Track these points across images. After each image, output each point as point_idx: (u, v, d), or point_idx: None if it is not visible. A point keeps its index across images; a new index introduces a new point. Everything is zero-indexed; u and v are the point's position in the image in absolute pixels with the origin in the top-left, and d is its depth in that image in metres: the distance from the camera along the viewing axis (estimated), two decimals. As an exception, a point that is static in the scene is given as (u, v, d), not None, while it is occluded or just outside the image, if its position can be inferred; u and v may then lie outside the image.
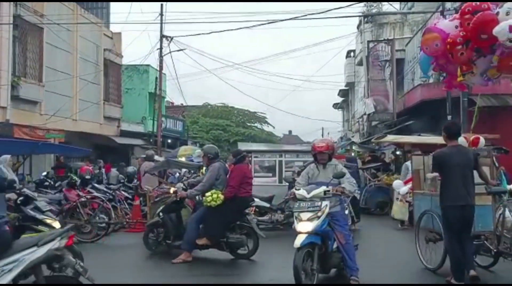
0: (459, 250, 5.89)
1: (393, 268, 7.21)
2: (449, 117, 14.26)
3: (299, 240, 5.61)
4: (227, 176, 7.94)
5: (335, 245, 6.01)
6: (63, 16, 18.35)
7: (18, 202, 6.05)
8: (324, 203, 5.78)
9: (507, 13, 6.42)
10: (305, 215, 5.76)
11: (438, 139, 12.29)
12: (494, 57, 6.72)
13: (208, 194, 7.47)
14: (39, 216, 6.16)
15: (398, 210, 11.06)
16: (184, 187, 8.48)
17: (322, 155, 6.19)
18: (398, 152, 16.97)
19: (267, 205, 10.54)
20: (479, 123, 8.36)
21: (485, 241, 6.44)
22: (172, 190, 8.44)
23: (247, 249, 7.85)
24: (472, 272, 5.86)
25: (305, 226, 5.70)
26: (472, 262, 6.09)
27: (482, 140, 7.55)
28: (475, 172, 6.13)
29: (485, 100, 14.63)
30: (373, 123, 24.28)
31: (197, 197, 8.34)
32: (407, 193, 10.36)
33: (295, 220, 5.87)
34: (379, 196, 13.57)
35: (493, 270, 6.61)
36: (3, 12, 15.22)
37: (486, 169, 6.63)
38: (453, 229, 5.96)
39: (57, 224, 6.21)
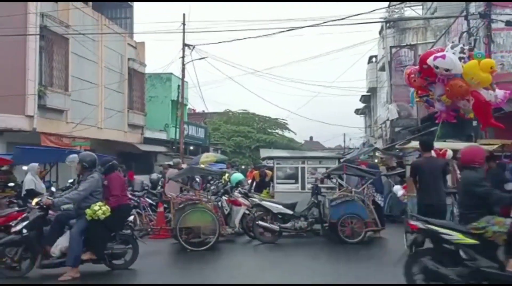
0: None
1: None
2: (474, 123, 14.00)
3: None
4: (105, 186, 7.50)
5: None
6: (88, 26, 18.72)
7: None
8: None
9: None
10: None
11: (463, 145, 12.13)
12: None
13: (96, 207, 7.03)
14: None
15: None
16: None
17: None
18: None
19: (290, 212, 10.52)
20: (501, 129, 10.12)
21: None
22: (34, 201, 7.49)
23: (124, 259, 7.60)
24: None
25: None
26: None
27: (449, 152, 8.84)
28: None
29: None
30: (396, 129, 24.04)
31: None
32: (403, 195, 11.04)
33: None
34: (404, 203, 13.38)
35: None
36: (30, 23, 15.62)
37: (448, 176, 8.20)
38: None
39: None
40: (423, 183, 7.37)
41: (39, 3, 15.99)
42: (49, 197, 7.62)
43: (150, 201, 12.45)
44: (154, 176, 15.62)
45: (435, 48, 10.01)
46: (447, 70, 8.36)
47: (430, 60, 8.50)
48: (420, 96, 9.63)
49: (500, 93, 9.12)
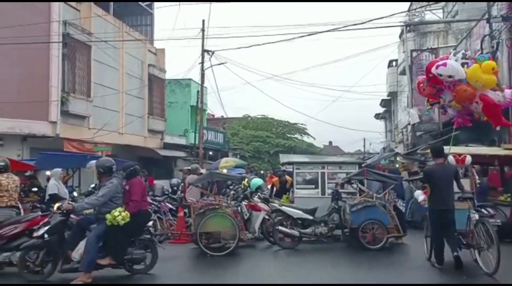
0: (440, 242, 7.72)
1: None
2: (497, 128, 13.75)
3: None
4: (125, 191, 7.56)
5: None
6: (109, 33, 19.00)
7: None
8: None
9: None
10: None
11: (487, 150, 11.91)
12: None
13: (116, 213, 7.07)
14: None
15: None
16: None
17: None
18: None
19: (310, 217, 10.46)
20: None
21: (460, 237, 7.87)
22: (55, 206, 7.50)
23: (144, 264, 7.62)
24: (455, 253, 7.41)
25: None
26: (456, 246, 7.50)
27: (468, 158, 9.06)
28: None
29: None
30: (418, 133, 23.76)
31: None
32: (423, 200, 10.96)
33: None
34: (425, 209, 13.17)
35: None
36: (53, 31, 15.92)
37: (467, 181, 8.62)
38: (436, 227, 7.77)
39: None
40: (436, 189, 7.73)
41: (61, 12, 16.29)
42: (69, 202, 7.72)
43: (170, 206, 12.51)
44: (174, 181, 15.73)
45: (440, 57, 10.58)
46: (450, 76, 8.79)
47: (433, 69, 8.97)
48: (431, 103, 10.15)
49: (508, 92, 9.36)
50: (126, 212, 7.20)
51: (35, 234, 7.24)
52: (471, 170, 9.36)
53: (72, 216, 7.48)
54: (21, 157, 14.65)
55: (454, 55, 9.18)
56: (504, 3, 14.98)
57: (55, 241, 7.16)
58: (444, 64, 8.79)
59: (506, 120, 10.27)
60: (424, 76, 9.72)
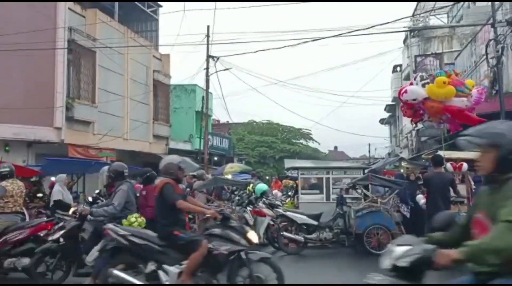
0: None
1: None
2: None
3: None
4: (142, 196, 7.54)
5: None
6: (114, 39, 19.08)
7: None
8: None
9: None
10: None
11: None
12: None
13: (132, 219, 6.96)
14: None
15: None
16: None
17: None
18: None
19: (315, 222, 10.43)
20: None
21: None
22: (71, 210, 7.45)
23: None
24: None
25: None
26: None
27: (465, 165, 9.53)
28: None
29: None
30: (423, 138, 23.67)
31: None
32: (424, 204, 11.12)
33: None
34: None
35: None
36: (58, 37, 16.01)
37: (463, 187, 9.20)
38: (429, 227, 7.89)
39: None
40: (432, 194, 8.42)
41: (67, 18, 16.40)
42: (86, 207, 7.73)
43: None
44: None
45: (409, 81, 11.56)
46: (414, 100, 9.61)
47: (401, 97, 9.90)
48: (416, 122, 11.07)
49: (474, 91, 9.78)
50: (142, 218, 7.15)
51: (50, 238, 7.24)
52: (467, 176, 9.76)
53: (86, 223, 7.45)
54: (26, 163, 14.71)
55: (415, 79, 10.06)
56: (509, 7, 14.95)
57: (70, 245, 7.17)
58: (405, 91, 9.70)
59: (479, 118, 10.86)
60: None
